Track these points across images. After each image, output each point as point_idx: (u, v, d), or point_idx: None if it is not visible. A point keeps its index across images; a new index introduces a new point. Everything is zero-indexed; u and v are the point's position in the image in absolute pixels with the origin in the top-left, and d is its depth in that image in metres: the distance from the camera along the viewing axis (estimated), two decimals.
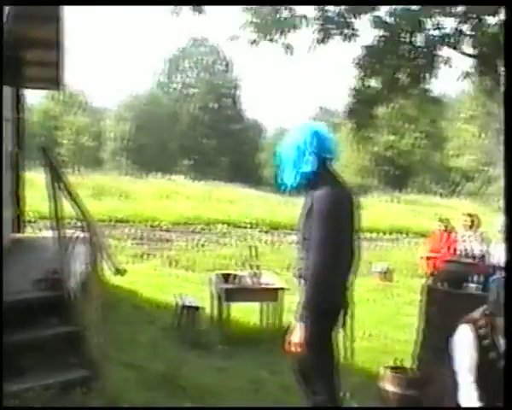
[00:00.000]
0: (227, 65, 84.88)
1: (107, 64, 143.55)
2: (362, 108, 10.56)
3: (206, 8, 9.76)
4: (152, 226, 23.81)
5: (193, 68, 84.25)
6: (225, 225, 24.99)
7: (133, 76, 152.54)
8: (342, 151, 63.91)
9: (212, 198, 33.27)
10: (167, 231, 23.71)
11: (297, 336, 5.10)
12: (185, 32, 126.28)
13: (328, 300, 5.15)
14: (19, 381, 6.44)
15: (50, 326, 7.39)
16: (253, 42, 9.59)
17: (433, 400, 6.62)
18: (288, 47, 9.72)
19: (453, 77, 11.20)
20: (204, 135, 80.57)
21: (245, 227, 25.18)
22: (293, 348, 5.15)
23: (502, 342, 5.11)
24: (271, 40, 9.59)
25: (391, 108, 10.32)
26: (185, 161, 79.06)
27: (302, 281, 5.26)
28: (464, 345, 5.24)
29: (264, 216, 27.00)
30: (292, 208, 28.82)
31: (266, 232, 24.71)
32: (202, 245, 21.55)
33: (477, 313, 5.49)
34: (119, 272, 6.79)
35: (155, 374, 7.69)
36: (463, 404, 5.30)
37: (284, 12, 9.40)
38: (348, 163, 64.70)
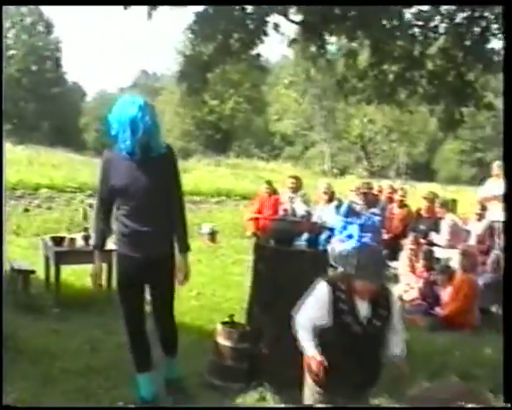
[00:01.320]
0: (47, 26, 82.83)
1: None
2: (194, 73, 10.76)
3: None
4: None
5: (12, 29, 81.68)
6: (49, 190, 24.60)
7: None
8: (165, 115, 64.09)
9: (35, 163, 32.55)
10: None
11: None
12: None
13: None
14: None
15: None
16: None
17: (261, 351, 7.10)
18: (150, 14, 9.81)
19: (275, 42, 11.62)
20: (24, 98, 78.43)
21: (70, 192, 24.87)
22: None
23: (362, 306, 5.24)
24: None
25: (213, 72, 10.56)
26: (5, 125, 76.90)
27: None
28: (318, 301, 5.37)
29: (88, 180, 26.77)
30: None
31: (90, 196, 24.56)
32: (27, 210, 21.17)
33: (338, 275, 5.87)
34: None
35: None
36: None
37: None
38: (171, 127, 64.97)
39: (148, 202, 6.08)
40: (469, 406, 5.22)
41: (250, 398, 6.76)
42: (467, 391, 5.49)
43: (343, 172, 53.68)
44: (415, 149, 68.43)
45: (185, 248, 6.40)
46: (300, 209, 13.19)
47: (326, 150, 63.57)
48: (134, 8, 9.93)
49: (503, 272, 5.55)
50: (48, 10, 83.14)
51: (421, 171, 67.05)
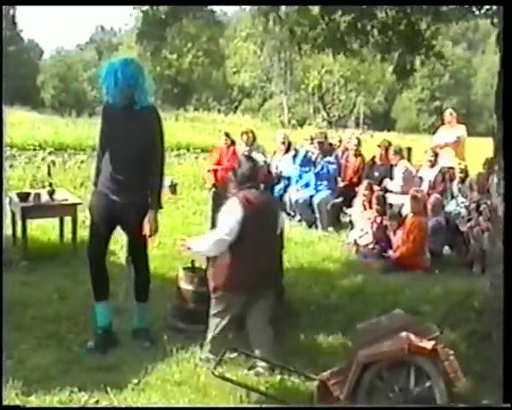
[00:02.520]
0: None
1: None
2: (152, 31, 10.94)
3: None
4: None
5: None
6: (10, 149, 24.60)
7: None
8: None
9: None
10: None
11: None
12: None
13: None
14: None
15: None
16: None
17: None
18: None
19: None
20: None
21: (30, 149, 24.88)
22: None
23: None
24: None
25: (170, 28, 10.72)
26: None
27: None
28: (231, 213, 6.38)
29: (48, 138, 26.72)
30: (75, 129, 28.87)
31: (50, 153, 24.53)
32: None
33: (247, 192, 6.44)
34: None
35: None
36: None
37: None
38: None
39: (129, 151, 6.77)
40: (464, 406, 5.70)
41: None
42: (409, 321, 5.91)
43: (302, 123, 53.65)
44: (373, 99, 68.67)
45: (157, 205, 6.99)
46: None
47: (284, 102, 63.68)
48: None
49: (504, 266, 5.81)
50: None
51: (381, 120, 67.51)
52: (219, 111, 60.05)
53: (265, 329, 6.65)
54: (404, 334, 5.56)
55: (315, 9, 10.62)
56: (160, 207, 7.06)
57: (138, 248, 7.22)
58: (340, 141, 16.67)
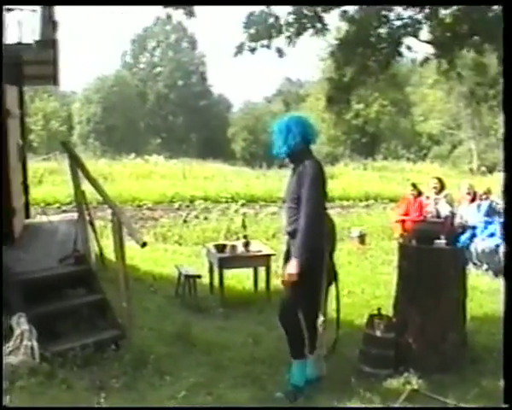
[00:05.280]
0: (191, 42, 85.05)
1: (72, 47, 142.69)
2: (340, 96, 11.52)
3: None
4: (138, 206, 24.48)
5: (158, 47, 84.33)
6: (204, 201, 25.71)
7: (99, 58, 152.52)
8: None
9: (188, 176, 33.84)
10: (151, 209, 24.45)
11: (293, 268, 6.59)
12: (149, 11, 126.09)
13: (317, 242, 6.65)
14: (59, 343, 7.58)
15: (80, 296, 8.60)
16: (253, 49, 10.52)
17: (406, 339, 7.83)
18: (279, 51, 10.61)
19: (416, 46, 12.12)
20: (172, 113, 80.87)
21: (223, 202, 25.88)
22: (288, 278, 6.71)
23: None
24: (263, 46, 10.53)
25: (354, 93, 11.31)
26: (155, 139, 79.42)
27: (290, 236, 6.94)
28: None
29: (240, 190, 27.67)
30: (265, 182, 29.73)
31: (242, 205, 25.42)
32: (185, 221, 22.39)
33: None
34: (145, 244, 7.99)
35: (170, 333, 8.90)
36: None
37: (271, 19, 10.36)
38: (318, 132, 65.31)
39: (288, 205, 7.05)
40: (464, 406, 5.78)
41: (396, 383, 7.40)
42: None
43: (491, 169, 52.47)
44: None
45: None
46: (444, 210, 13.80)
47: (473, 148, 62.61)
48: None
49: (504, 269, 5.85)
50: (191, 26, 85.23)
51: None
52: (408, 159, 59.77)
53: None
54: None
55: (492, 70, 10.78)
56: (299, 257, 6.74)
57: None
58: None
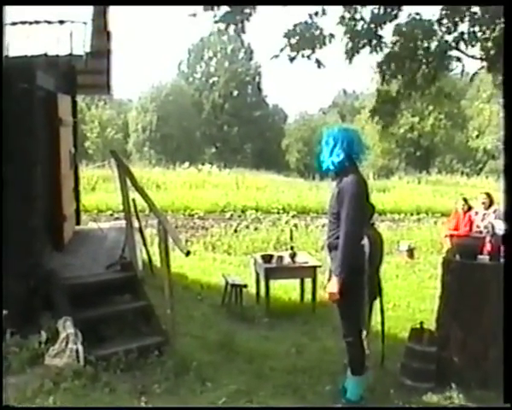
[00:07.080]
0: (248, 53, 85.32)
1: (129, 56, 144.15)
2: (386, 109, 11.54)
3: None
4: (190, 215, 24.56)
5: (215, 57, 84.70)
6: (255, 211, 25.77)
7: (155, 67, 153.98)
8: (366, 134, 64.40)
9: (241, 186, 33.94)
10: (202, 219, 24.45)
11: (334, 286, 6.61)
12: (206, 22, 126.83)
13: (356, 260, 6.64)
14: (103, 347, 7.76)
15: (125, 302, 8.78)
16: (292, 59, 10.56)
17: (448, 354, 7.84)
18: (318, 62, 10.63)
19: (467, 60, 12.07)
20: (227, 123, 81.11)
21: (274, 213, 25.94)
22: (329, 297, 6.74)
23: None
24: (303, 56, 10.56)
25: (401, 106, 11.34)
26: (209, 149, 79.77)
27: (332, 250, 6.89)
28: None
29: (291, 202, 27.69)
30: (317, 193, 29.72)
31: (293, 217, 25.43)
32: (236, 231, 22.59)
33: None
34: (189, 253, 8.17)
35: (213, 341, 9.03)
36: None
37: (315, 31, 10.40)
38: (372, 146, 64.99)
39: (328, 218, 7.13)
40: (464, 406, 5.72)
41: (436, 397, 7.45)
42: None
43: None
44: None
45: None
46: (499, 225, 13.71)
47: None
48: None
49: (504, 272, 5.81)
50: (248, 37, 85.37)
51: None
52: (462, 173, 59.29)
53: None
54: None
55: None
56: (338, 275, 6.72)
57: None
58: None
